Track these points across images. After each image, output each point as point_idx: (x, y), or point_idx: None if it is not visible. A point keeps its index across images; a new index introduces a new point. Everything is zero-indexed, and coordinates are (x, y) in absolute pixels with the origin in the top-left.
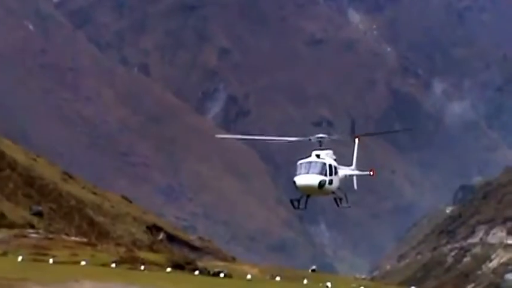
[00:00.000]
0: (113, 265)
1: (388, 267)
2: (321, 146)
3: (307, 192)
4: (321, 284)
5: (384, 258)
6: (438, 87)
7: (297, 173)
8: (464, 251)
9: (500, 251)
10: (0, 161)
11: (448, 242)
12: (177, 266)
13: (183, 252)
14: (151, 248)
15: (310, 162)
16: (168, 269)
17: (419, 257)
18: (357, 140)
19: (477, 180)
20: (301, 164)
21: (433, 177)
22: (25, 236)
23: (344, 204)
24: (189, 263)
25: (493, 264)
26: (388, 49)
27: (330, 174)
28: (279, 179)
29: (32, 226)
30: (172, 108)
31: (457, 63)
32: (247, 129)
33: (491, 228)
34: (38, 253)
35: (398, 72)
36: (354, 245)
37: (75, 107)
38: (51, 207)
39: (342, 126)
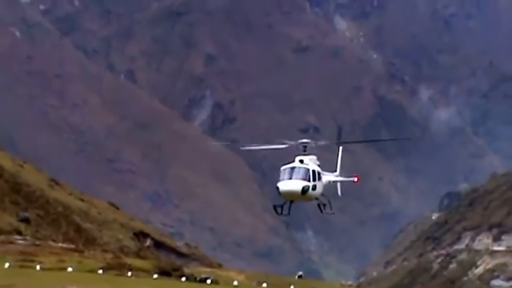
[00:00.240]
0: (100, 271)
1: (375, 273)
2: (305, 151)
3: (291, 198)
4: None
5: (371, 264)
6: (424, 93)
7: (280, 178)
8: (451, 257)
9: (486, 258)
10: None
11: (434, 249)
12: (164, 273)
13: (170, 259)
14: (138, 255)
15: (293, 168)
16: (155, 276)
17: (405, 263)
18: (341, 147)
19: (463, 186)
20: (284, 169)
21: (420, 184)
22: (12, 243)
23: (328, 210)
24: (175, 270)
25: (479, 270)
26: (375, 56)
27: (314, 180)
28: (266, 186)
29: (19, 232)
30: (159, 114)
31: (443, 70)
32: (234, 136)
33: (477, 234)
34: (25, 259)
35: (384, 78)
36: (340, 251)
37: (61, 114)
38: (38, 213)
39: (329, 133)
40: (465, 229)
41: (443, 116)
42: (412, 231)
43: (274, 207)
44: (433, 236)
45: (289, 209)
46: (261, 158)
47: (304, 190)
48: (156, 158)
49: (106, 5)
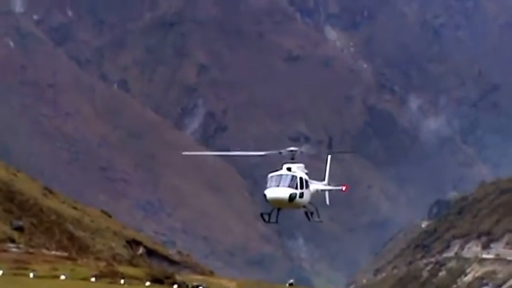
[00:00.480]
0: (93, 279)
1: (365, 281)
2: (292, 159)
3: (278, 205)
4: None
5: (360, 272)
6: (414, 103)
7: (268, 186)
8: (440, 265)
9: (475, 265)
10: None
11: (423, 257)
12: (156, 280)
13: (162, 267)
14: (130, 263)
15: (280, 175)
16: (147, 283)
17: (395, 271)
18: (329, 156)
19: (452, 195)
20: (271, 176)
21: (409, 192)
22: (5, 251)
23: (316, 218)
24: (168, 277)
25: (468, 278)
26: (365, 66)
27: (301, 188)
28: (258, 195)
29: (13, 241)
30: (151, 124)
31: (432, 80)
32: (226, 145)
33: (466, 242)
34: (19, 267)
35: (374, 88)
36: (330, 259)
37: (55, 123)
38: (31, 222)
39: (319, 142)
40: (454, 237)
41: (433, 125)
42: (402, 239)
43: (262, 215)
44: (423, 244)
45: (277, 216)
46: (253, 166)
47: (292, 197)
48: (149, 167)
49: (99, 15)
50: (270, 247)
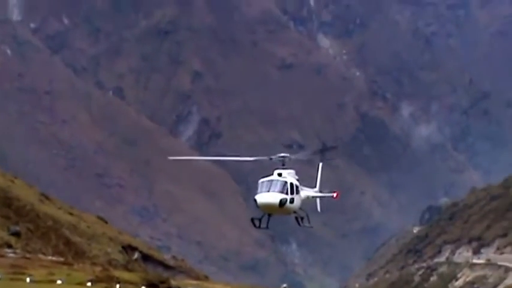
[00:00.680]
0: (89, 284)
1: (357, 285)
2: (283, 165)
3: (268, 210)
4: None
5: (353, 277)
6: (406, 110)
7: (258, 191)
8: (431, 270)
9: (466, 270)
10: None
11: (415, 261)
12: (152, 285)
13: (157, 271)
14: (126, 267)
15: (271, 181)
16: None
17: (387, 275)
18: (321, 163)
19: (443, 201)
20: (262, 182)
21: (401, 198)
22: (3, 256)
23: (306, 223)
24: (163, 282)
25: (459, 283)
26: (357, 73)
27: (291, 193)
28: (251, 200)
29: (10, 246)
30: (146, 130)
31: (424, 87)
32: (220, 151)
33: (457, 247)
34: (16, 272)
35: (367, 95)
36: (324, 264)
37: (51, 130)
38: (28, 227)
39: (312, 148)
40: (445, 242)
41: (424, 132)
42: (394, 245)
43: (252, 220)
44: (415, 249)
45: (268, 222)
46: (247, 172)
47: (282, 203)
48: (144, 173)
49: (95, 23)
50: (263, 252)
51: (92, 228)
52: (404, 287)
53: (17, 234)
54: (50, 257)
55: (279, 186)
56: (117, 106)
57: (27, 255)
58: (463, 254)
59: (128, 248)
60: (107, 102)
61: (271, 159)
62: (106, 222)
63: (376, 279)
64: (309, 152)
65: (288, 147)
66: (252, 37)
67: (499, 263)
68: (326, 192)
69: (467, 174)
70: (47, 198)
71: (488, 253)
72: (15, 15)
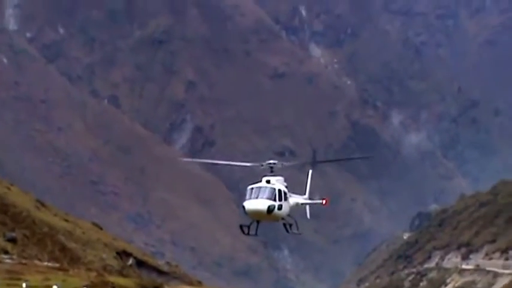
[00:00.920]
0: None
1: None
2: (272, 172)
3: (256, 217)
4: None
5: (344, 282)
6: (396, 118)
7: (247, 198)
8: (421, 275)
9: (455, 276)
10: None
11: (405, 267)
12: None
13: (152, 277)
14: (121, 273)
15: (259, 188)
16: None
17: (378, 281)
18: (310, 171)
19: (433, 207)
20: (250, 189)
21: (391, 205)
22: None
23: (294, 230)
24: (157, 287)
25: None
26: (348, 82)
27: (280, 200)
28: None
29: (6, 252)
30: (141, 138)
31: (414, 96)
32: (213, 159)
33: (446, 253)
34: (12, 278)
35: (357, 104)
36: (315, 269)
37: (47, 138)
38: (24, 233)
39: (304, 156)
40: (435, 248)
41: (414, 139)
42: (384, 250)
43: (241, 226)
44: (405, 255)
45: (257, 229)
46: (239, 179)
47: (270, 209)
48: (139, 180)
49: (90, 33)
50: (256, 258)
51: (87, 234)
52: None
53: (13, 241)
54: (45, 263)
55: (267, 193)
56: (112, 114)
57: (24, 261)
58: (452, 260)
59: (123, 254)
60: (101, 111)
61: (262, 165)
62: (101, 229)
63: (367, 284)
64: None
65: (281, 154)
66: (244, 47)
67: (488, 269)
68: (316, 199)
69: (456, 182)
70: (43, 205)
71: (477, 259)
72: (12, 24)
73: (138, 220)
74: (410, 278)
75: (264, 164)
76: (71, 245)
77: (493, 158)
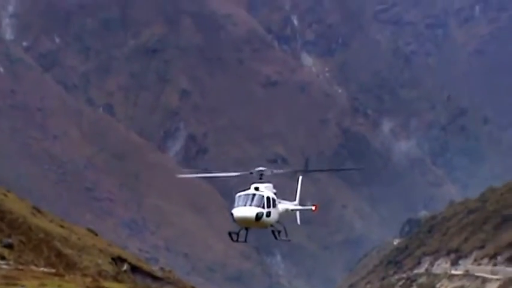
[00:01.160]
0: None
1: None
2: (261, 179)
3: (245, 224)
4: None
5: (336, 287)
6: (386, 126)
7: (235, 205)
8: (411, 281)
9: (444, 281)
10: None
11: (395, 272)
12: None
13: (146, 282)
14: (116, 278)
15: (248, 195)
16: None
17: (368, 286)
18: (300, 177)
19: (423, 214)
20: (239, 196)
21: (382, 211)
22: None
23: (283, 237)
24: None
25: None
26: (339, 91)
27: (268, 207)
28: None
29: (3, 258)
30: (135, 146)
31: (404, 104)
32: (207, 166)
33: (436, 259)
34: (8, 283)
35: (349, 112)
36: (307, 275)
37: (43, 145)
38: (20, 239)
39: (296, 163)
40: (425, 254)
41: (404, 147)
42: (375, 256)
43: (229, 234)
44: (395, 261)
45: (246, 236)
46: (233, 187)
47: (258, 217)
48: (133, 187)
49: (85, 42)
50: (249, 264)
51: (82, 240)
52: None
53: (9, 246)
54: (41, 268)
55: (255, 200)
56: (107, 122)
57: (20, 267)
58: (442, 265)
59: (118, 260)
60: (97, 119)
61: (251, 173)
62: (96, 235)
63: None
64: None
65: (273, 162)
66: (237, 56)
67: (477, 274)
68: (307, 205)
69: (445, 188)
70: (39, 211)
71: (466, 264)
72: (8, 34)
73: (132, 226)
74: (400, 283)
75: (253, 171)
76: (67, 250)
77: (481, 165)
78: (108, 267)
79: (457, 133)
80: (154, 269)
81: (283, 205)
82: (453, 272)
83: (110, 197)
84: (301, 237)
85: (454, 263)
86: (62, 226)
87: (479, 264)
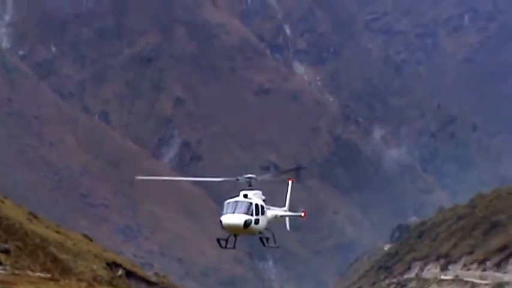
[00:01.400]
0: None
1: None
2: (250, 186)
3: (233, 231)
4: None
5: None
6: (377, 133)
7: (224, 212)
8: (401, 285)
9: (434, 286)
10: None
11: (386, 277)
12: None
13: (141, 287)
14: (110, 283)
15: (236, 202)
16: None
17: None
18: (290, 182)
19: (413, 220)
20: (228, 203)
21: (372, 217)
22: None
23: (271, 244)
24: None
25: None
26: (331, 99)
27: (257, 214)
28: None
29: (0, 263)
30: (130, 153)
31: (394, 112)
32: (201, 173)
33: (425, 264)
34: None
35: (340, 120)
36: (299, 280)
37: (39, 153)
38: (17, 245)
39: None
40: (415, 259)
41: (395, 154)
42: (366, 261)
43: (218, 240)
44: (385, 266)
45: (234, 242)
46: (226, 193)
47: (247, 224)
48: (128, 193)
49: (81, 51)
50: (241, 268)
51: (77, 245)
52: None
53: (6, 252)
54: (37, 274)
55: (244, 208)
56: (102, 130)
57: (16, 272)
58: (432, 271)
59: (113, 265)
60: (92, 126)
61: (237, 180)
62: (91, 240)
63: None
64: (275, 174)
65: (265, 168)
66: (230, 64)
67: (466, 279)
68: (297, 212)
69: (435, 195)
70: (35, 217)
71: (456, 269)
72: (5, 43)
73: (127, 232)
74: None
75: (239, 178)
76: (62, 256)
77: (470, 171)
78: (103, 272)
79: (446, 140)
80: (149, 274)
81: (272, 211)
82: (443, 277)
83: (105, 203)
84: (293, 242)
85: (444, 268)
86: (57, 232)
87: (468, 270)
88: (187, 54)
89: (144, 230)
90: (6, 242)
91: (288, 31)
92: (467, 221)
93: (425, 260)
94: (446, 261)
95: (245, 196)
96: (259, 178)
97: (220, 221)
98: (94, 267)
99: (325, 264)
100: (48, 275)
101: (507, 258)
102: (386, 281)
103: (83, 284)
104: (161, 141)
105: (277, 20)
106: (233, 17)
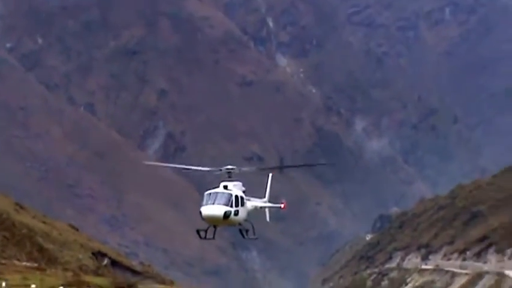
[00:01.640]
0: None
1: None
2: (230, 177)
3: (213, 222)
4: None
5: (310, 282)
6: (359, 125)
7: (204, 203)
8: (382, 275)
9: (415, 275)
10: None
11: (367, 267)
12: None
13: (126, 277)
14: (96, 273)
15: (216, 193)
16: None
17: (341, 280)
18: (270, 174)
19: (394, 210)
20: (208, 194)
21: (354, 208)
22: None
23: (251, 235)
24: (131, 286)
25: (409, 287)
26: (313, 90)
27: (236, 206)
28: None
29: None
30: (116, 144)
31: (376, 104)
32: (185, 163)
33: (406, 254)
34: None
35: (322, 111)
36: (282, 270)
37: (25, 144)
38: (4, 235)
39: (271, 161)
40: (396, 249)
41: (376, 145)
42: (348, 251)
43: (198, 231)
44: (367, 256)
45: (214, 233)
46: (210, 184)
47: (226, 215)
48: (114, 184)
49: (67, 43)
50: (225, 259)
51: (63, 235)
52: None
53: None
54: (24, 263)
55: (223, 199)
56: (88, 121)
57: (3, 261)
58: (412, 260)
59: (98, 254)
60: (78, 118)
61: (220, 170)
62: (77, 230)
63: (331, 284)
64: (258, 169)
65: (249, 159)
66: (214, 56)
67: (446, 269)
68: (277, 203)
69: (416, 186)
70: (22, 207)
71: (436, 259)
72: None
73: (112, 222)
74: (372, 277)
75: (222, 169)
76: (49, 245)
77: (451, 163)
78: (89, 262)
79: (427, 132)
80: (134, 263)
81: (252, 202)
82: (423, 266)
83: (91, 193)
84: (276, 233)
85: (425, 258)
86: (44, 222)
87: (448, 259)
88: (171, 47)
89: (129, 220)
90: None
91: (271, 24)
92: (448, 212)
93: (406, 249)
94: (427, 251)
95: (225, 187)
96: (239, 170)
97: (200, 212)
98: (80, 256)
99: (308, 254)
100: (35, 265)
101: (487, 248)
102: (368, 271)
103: (69, 274)
104: (146, 133)
105: (261, 13)
106: (217, 10)
